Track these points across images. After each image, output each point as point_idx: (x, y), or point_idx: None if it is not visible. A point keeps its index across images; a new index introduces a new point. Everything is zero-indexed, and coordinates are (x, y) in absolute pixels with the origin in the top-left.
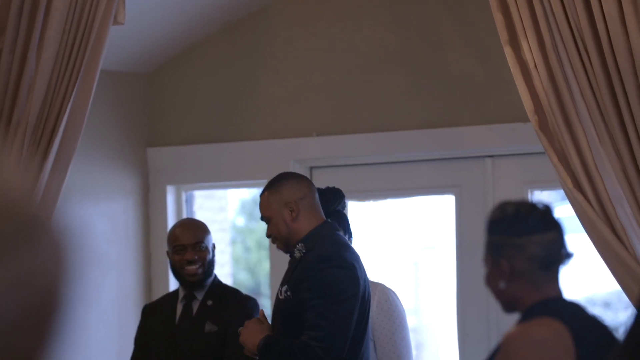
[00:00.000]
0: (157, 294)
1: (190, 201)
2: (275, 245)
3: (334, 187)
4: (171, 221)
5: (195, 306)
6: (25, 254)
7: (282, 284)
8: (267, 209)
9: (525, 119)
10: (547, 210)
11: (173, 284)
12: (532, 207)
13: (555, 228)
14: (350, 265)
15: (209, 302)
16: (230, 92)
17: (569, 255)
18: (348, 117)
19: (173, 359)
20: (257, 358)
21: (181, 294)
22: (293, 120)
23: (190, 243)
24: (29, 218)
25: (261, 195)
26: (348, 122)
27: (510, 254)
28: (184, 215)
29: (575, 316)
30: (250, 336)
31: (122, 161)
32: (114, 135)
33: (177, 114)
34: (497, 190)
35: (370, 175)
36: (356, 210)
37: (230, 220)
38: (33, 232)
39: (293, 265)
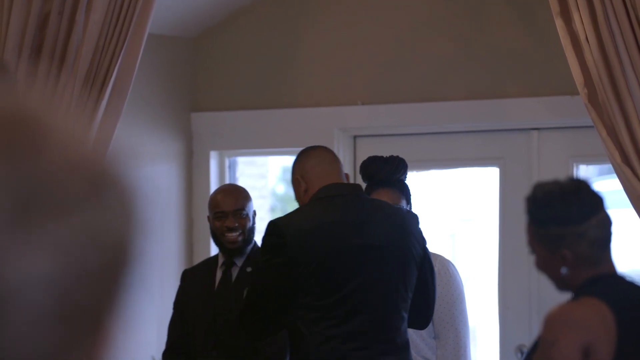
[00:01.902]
0: (198, 259)
1: (233, 167)
2: None
3: (397, 157)
4: (214, 187)
5: (235, 272)
6: (95, 209)
7: None
8: (291, 179)
9: (573, 92)
10: (588, 187)
11: (214, 249)
12: (577, 188)
13: (602, 203)
14: (277, 231)
15: (249, 269)
16: (275, 58)
17: (612, 223)
18: (393, 86)
19: (212, 325)
20: None
21: (221, 260)
22: (337, 89)
23: (231, 210)
24: (99, 173)
25: None
26: (393, 92)
27: (573, 242)
28: (227, 181)
29: (623, 295)
30: None
31: (166, 126)
32: (159, 99)
33: (221, 79)
34: (542, 163)
35: (413, 146)
36: (411, 181)
37: (270, 187)
38: (103, 188)
39: None
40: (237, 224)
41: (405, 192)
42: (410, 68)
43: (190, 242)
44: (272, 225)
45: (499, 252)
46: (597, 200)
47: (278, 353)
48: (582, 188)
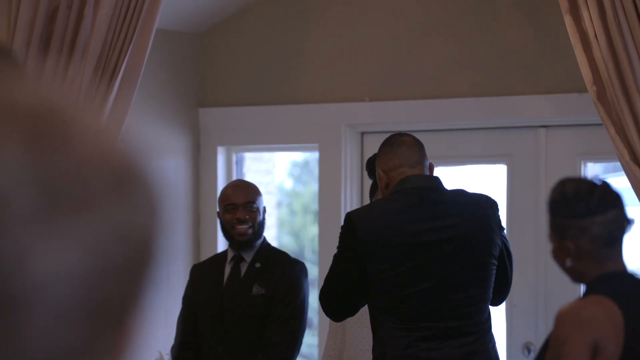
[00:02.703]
0: (206, 255)
1: (240, 163)
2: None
3: None
4: (221, 182)
5: (244, 268)
6: (121, 204)
7: None
8: (376, 173)
9: (581, 90)
10: (606, 188)
11: (222, 245)
12: (592, 186)
13: (615, 205)
14: (350, 224)
15: (257, 265)
16: (283, 54)
17: (629, 224)
18: (401, 82)
19: (219, 320)
20: None
21: (230, 255)
22: (345, 85)
23: (241, 202)
24: (126, 168)
25: None
26: (401, 88)
27: (575, 235)
28: (234, 177)
29: (632, 294)
30: None
31: (173, 121)
32: (166, 95)
33: (229, 75)
34: (550, 160)
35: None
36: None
37: (276, 183)
38: (129, 183)
39: None
40: (247, 217)
41: None
42: (418, 65)
43: (197, 237)
44: (348, 218)
45: None
46: (609, 201)
47: (286, 348)
48: (597, 187)
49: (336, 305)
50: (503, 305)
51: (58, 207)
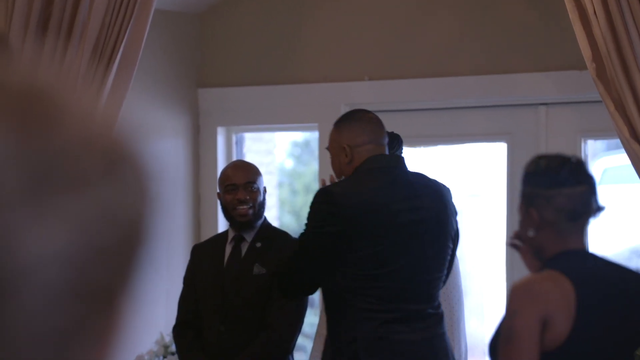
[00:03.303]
0: (206, 235)
1: (240, 143)
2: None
3: (392, 132)
4: (221, 162)
5: (244, 248)
6: (110, 185)
7: None
8: (330, 145)
9: (581, 67)
10: (578, 165)
11: (222, 225)
12: (564, 161)
13: (585, 182)
14: (333, 200)
15: (258, 244)
16: (282, 34)
17: (599, 209)
18: (400, 61)
19: (221, 301)
20: None
21: (230, 236)
22: (345, 64)
23: (242, 183)
24: (114, 149)
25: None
26: (400, 67)
27: (541, 204)
28: (234, 157)
29: (588, 272)
30: None
31: (173, 101)
32: (165, 75)
33: (229, 55)
34: (550, 138)
35: (421, 121)
36: (405, 157)
37: (277, 163)
38: (118, 164)
39: None
40: (248, 197)
41: None
42: (417, 43)
43: (197, 218)
44: (326, 194)
45: (507, 227)
46: (579, 177)
47: (288, 328)
48: (570, 163)
49: (300, 284)
50: (504, 283)
51: (46, 188)
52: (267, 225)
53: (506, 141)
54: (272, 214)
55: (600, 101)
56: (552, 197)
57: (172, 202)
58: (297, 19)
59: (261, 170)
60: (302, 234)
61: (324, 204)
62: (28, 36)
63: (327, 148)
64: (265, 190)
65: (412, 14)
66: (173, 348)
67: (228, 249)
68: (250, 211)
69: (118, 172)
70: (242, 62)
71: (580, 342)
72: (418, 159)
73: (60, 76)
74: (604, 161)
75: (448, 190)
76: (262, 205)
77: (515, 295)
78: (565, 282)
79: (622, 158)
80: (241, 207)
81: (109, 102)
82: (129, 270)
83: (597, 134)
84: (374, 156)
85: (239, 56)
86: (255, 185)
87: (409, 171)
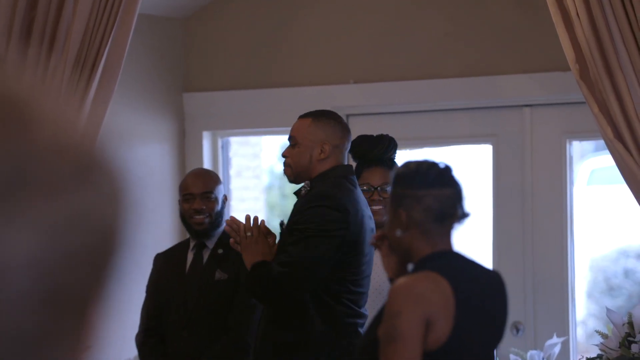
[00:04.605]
0: None
1: (226, 147)
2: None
3: (387, 135)
4: (207, 167)
5: (206, 255)
6: (83, 192)
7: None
8: (301, 135)
9: (565, 68)
10: (446, 169)
11: None
12: (433, 165)
13: (452, 186)
14: (341, 207)
15: (220, 251)
16: (267, 38)
17: (464, 215)
18: (385, 64)
19: (183, 307)
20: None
21: (192, 243)
22: (330, 67)
23: (199, 192)
24: (88, 156)
25: (302, 117)
26: (385, 70)
27: (409, 204)
28: (220, 161)
29: (459, 269)
30: (251, 254)
31: (158, 106)
32: (150, 80)
33: (214, 59)
34: (535, 140)
35: (406, 124)
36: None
37: (263, 167)
38: (92, 171)
39: (298, 201)
40: (204, 207)
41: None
42: (402, 46)
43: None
44: (333, 199)
45: (493, 228)
46: (446, 180)
47: (248, 330)
48: (438, 167)
49: (305, 284)
50: None
51: (16, 192)
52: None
53: (491, 143)
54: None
55: (584, 102)
56: (421, 197)
57: (158, 207)
58: (281, 23)
59: (248, 174)
60: (307, 236)
61: (334, 209)
62: (12, 42)
63: (293, 137)
64: (225, 199)
65: (396, 17)
66: None
67: (190, 256)
68: (207, 220)
69: (92, 180)
70: (227, 66)
71: (460, 341)
72: (403, 161)
73: (37, 81)
74: (592, 162)
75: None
76: (219, 215)
77: (398, 296)
78: (443, 283)
79: (609, 159)
80: (197, 216)
81: (93, 107)
82: (102, 277)
83: (582, 135)
84: (349, 165)
85: (224, 60)
86: (213, 195)
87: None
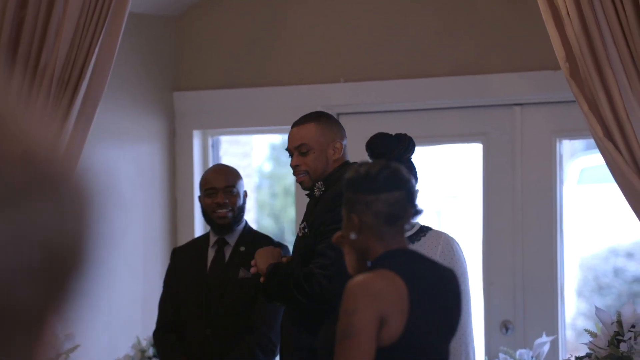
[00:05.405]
0: (183, 239)
1: (216, 146)
2: (300, 184)
3: (406, 135)
4: (197, 166)
5: (228, 252)
6: (41, 207)
7: (301, 222)
8: (313, 140)
9: (555, 67)
10: (396, 171)
11: (198, 229)
12: (382, 168)
13: (401, 188)
14: None
15: (242, 249)
16: (257, 36)
17: (417, 212)
18: (376, 63)
19: (206, 305)
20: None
21: (212, 239)
22: (320, 66)
23: (221, 186)
24: (52, 172)
25: (301, 124)
26: (375, 69)
27: (361, 209)
28: (210, 160)
29: (413, 266)
30: (263, 259)
31: (148, 105)
32: (140, 78)
33: (204, 58)
34: (525, 138)
35: (397, 122)
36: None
37: (254, 166)
38: (54, 187)
39: (312, 203)
40: (226, 201)
41: (413, 170)
42: (392, 45)
43: (174, 222)
44: None
45: (483, 228)
46: (395, 183)
47: (274, 330)
48: (387, 170)
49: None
50: (480, 283)
51: None
52: (249, 229)
53: (482, 142)
54: (250, 217)
55: (574, 101)
56: (370, 202)
57: (149, 206)
58: (272, 22)
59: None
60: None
61: None
62: (1, 40)
63: (303, 144)
64: (245, 194)
65: (387, 16)
66: (150, 352)
67: (211, 253)
68: (230, 214)
69: (52, 195)
70: (218, 65)
71: (413, 336)
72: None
73: (4, 93)
74: (582, 161)
75: None
76: (241, 209)
77: (354, 294)
78: (398, 280)
79: (599, 158)
80: (220, 210)
81: (84, 108)
82: (61, 291)
83: (572, 134)
84: (353, 161)
85: (215, 59)
86: (235, 189)
87: None
